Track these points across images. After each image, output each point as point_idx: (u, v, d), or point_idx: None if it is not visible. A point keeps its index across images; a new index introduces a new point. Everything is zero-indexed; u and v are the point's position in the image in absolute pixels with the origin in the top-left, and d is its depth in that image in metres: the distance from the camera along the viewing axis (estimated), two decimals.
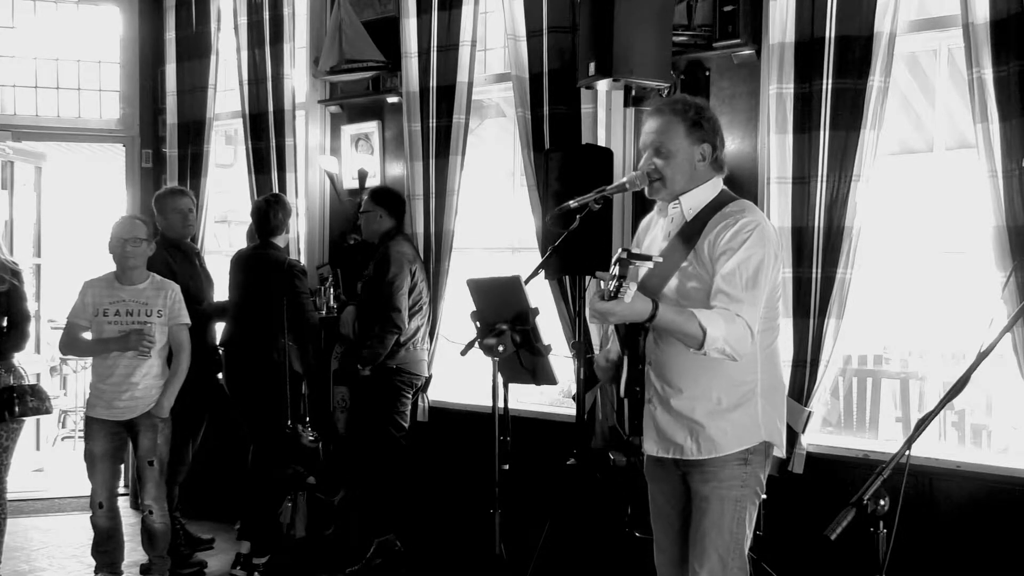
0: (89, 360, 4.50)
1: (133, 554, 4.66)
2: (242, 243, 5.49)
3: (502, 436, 3.98)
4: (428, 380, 5.07)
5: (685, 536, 2.83)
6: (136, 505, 5.51)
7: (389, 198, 4.98)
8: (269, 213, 5.02)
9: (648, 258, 2.48)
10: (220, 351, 5.11)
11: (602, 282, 2.47)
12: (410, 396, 4.91)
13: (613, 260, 2.42)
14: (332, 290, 5.49)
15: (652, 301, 2.51)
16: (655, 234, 2.91)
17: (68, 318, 4.38)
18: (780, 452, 2.87)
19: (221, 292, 5.41)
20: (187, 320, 4.44)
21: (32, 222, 6.97)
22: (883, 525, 2.12)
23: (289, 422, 4.78)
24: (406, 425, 4.88)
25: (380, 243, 4.87)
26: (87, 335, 4.36)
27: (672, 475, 2.87)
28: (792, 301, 3.91)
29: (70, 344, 4.42)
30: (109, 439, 4.33)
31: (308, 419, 4.88)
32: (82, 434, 8.11)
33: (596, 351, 4.19)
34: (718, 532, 2.72)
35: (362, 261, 5.06)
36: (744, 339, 2.60)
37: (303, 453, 4.83)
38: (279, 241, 5.07)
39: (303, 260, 5.66)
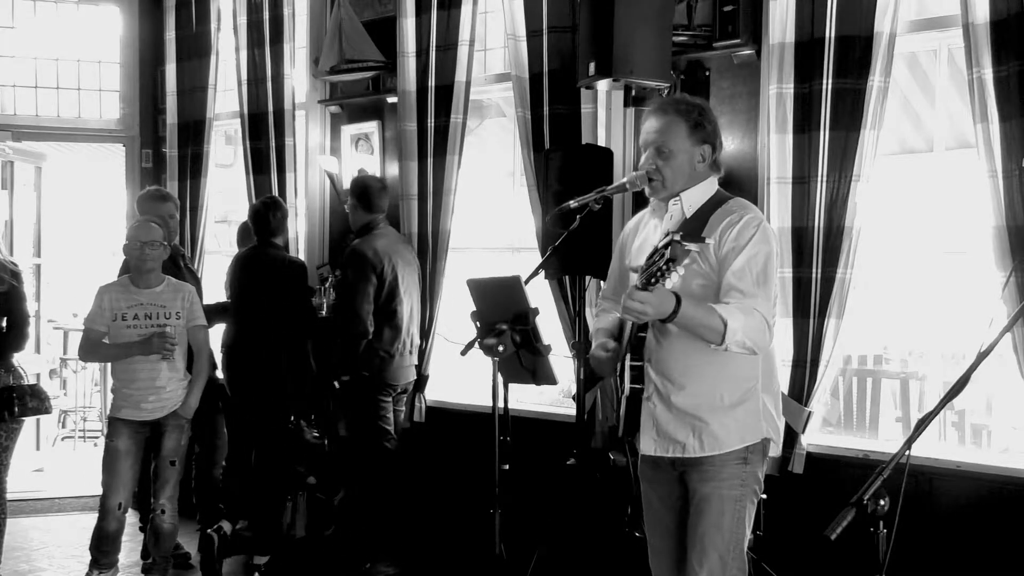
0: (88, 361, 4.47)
1: (132, 554, 4.66)
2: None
3: (502, 436, 3.97)
4: (420, 381, 5.04)
5: (680, 538, 2.82)
6: (137, 505, 5.49)
7: (357, 188, 4.81)
8: (268, 215, 5.02)
9: (701, 240, 2.42)
10: (221, 352, 5.11)
11: (637, 275, 2.41)
12: (389, 403, 4.78)
13: (660, 244, 2.34)
14: (332, 291, 5.48)
15: (674, 295, 2.46)
16: (646, 235, 2.89)
17: (85, 324, 4.31)
18: (776, 451, 2.87)
19: (214, 293, 5.41)
20: (204, 321, 4.43)
21: (32, 222, 6.98)
22: (883, 525, 2.12)
23: (292, 418, 4.77)
24: (390, 428, 4.78)
25: (354, 239, 4.76)
26: (105, 340, 4.34)
27: (668, 476, 2.86)
28: (792, 301, 3.91)
29: (91, 350, 4.37)
30: (133, 437, 4.29)
31: (313, 417, 4.88)
32: (82, 434, 8.27)
33: None
34: (718, 531, 2.71)
35: None
36: (762, 332, 2.59)
37: (306, 450, 4.82)
38: (278, 241, 5.07)
39: (303, 260, 5.66)
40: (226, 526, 4.84)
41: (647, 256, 2.38)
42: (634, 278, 2.43)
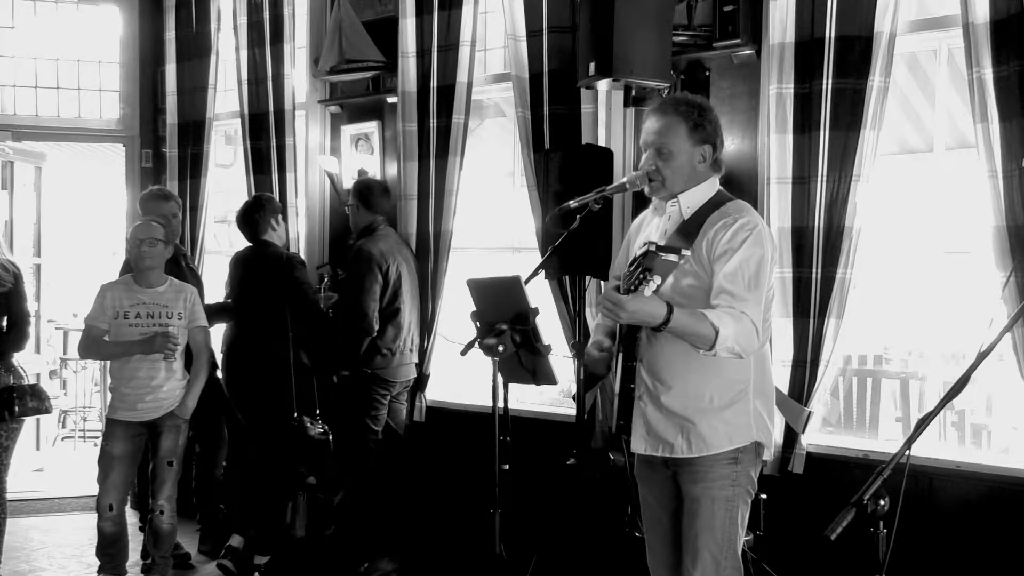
0: (89, 361, 4.47)
1: (132, 554, 4.65)
2: (242, 243, 5.48)
3: (502, 436, 3.98)
4: (420, 381, 5.04)
5: (677, 538, 2.83)
6: (137, 505, 5.50)
7: (360, 189, 4.88)
8: (247, 216, 5.03)
9: (676, 251, 2.45)
10: (222, 352, 5.10)
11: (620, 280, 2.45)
12: (384, 401, 4.81)
13: (637, 253, 2.39)
14: (327, 291, 5.47)
15: (666, 304, 2.48)
16: (649, 233, 2.91)
17: (86, 321, 4.30)
18: (768, 455, 2.87)
19: (215, 293, 5.40)
20: (205, 323, 4.43)
21: (32, 222, 6.98)
22: (883, 525, 2.12)
23: (295, 414, 4.77)
24: (378, 428, 4.80)
25: (356, 240, 4.81)
26: (106, 338, 4.33)
27: (662, 475, 2.87)
28: (792, 301, 3.91)
29: (91, 347, 4.36)
30: (129, 441, 4.29)
31: (319, 412, 4.87)
32: (82, 434, 8.27)
33: None
34: (710, 532, 2.72)
35: None
36: (751, 336, 2.60)
37: (310, 446, 4.81)
38: (274, 239, 5.06)
39: (302, 256, 5.66)
40: (235, 541, 4.84)
41: (629, 262, 2.41)
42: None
